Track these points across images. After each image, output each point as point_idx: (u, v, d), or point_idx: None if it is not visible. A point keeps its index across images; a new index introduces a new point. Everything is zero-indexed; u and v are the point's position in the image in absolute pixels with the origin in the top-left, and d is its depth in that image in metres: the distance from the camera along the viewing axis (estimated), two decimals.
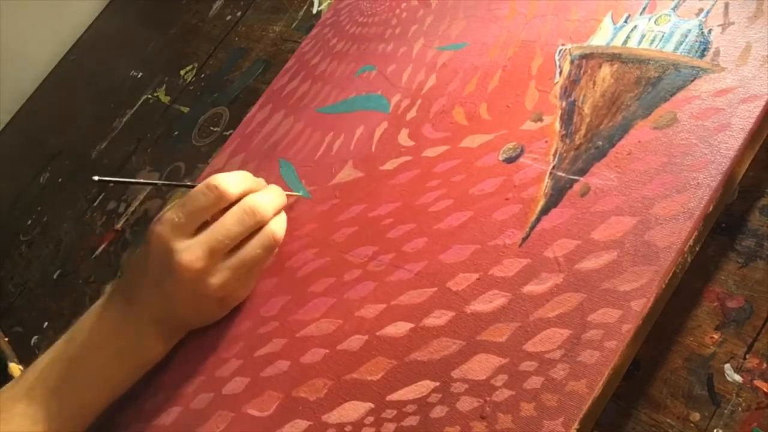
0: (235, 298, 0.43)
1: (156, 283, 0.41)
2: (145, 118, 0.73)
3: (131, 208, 0.65)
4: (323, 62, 0.54)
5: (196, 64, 0.73)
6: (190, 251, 0.40)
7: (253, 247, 0.41)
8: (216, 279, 0.41)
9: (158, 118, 0.71)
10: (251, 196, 0.42)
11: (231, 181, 0.41)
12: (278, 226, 0.43)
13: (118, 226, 0.64)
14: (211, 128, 0.64)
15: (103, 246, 0.64)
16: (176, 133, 0.67)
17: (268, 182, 0.46)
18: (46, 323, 0.63)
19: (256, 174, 0.47)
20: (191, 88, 0.71)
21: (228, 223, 0.41)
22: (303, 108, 0.52)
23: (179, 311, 0.42)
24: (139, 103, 0.76)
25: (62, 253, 0.68)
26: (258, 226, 0.42)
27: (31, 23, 0.94)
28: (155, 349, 0.43)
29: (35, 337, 0.63)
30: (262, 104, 0.56)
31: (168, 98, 0.72)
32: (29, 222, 0.76)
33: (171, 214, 0.40)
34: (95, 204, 0.69)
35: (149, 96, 0.75)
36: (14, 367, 0.61)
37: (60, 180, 0.77)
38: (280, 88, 0.56)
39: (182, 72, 0.73)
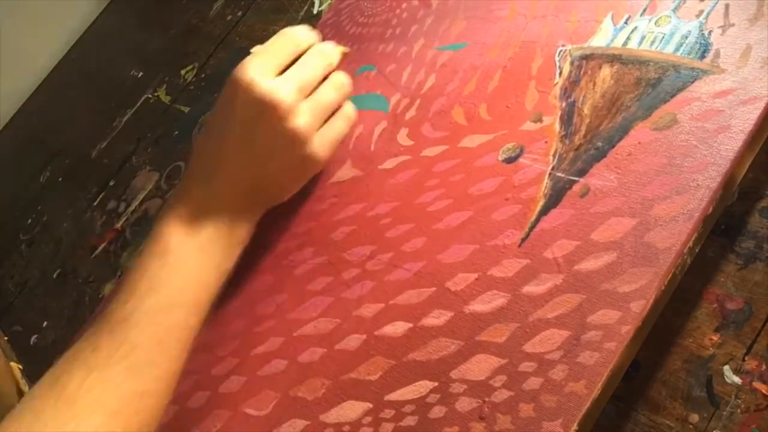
0: (317, 157, 0.42)
1: (243, 133, 0.40)
2: (145, 117, 0.73)
3: (131, 208, 0.65)
4: None
5: (196, 64, 0.73)
6: (281, 88, 0.40)
7: (326, 89, 0.42)
8: (302, 119, 0.40)
9: (158, 118, 0.71)
10: (317, 44, 0.44)
11: (301, 30, 0.43)
12: (344, 75, 0.44)
13: (118, 225, 0.64)
14: None
15: (102, 245, 0.64)
16: (176, 132, 0.67)
17: None
18: (45, 322, 0.63)
19: None
20: (191, 87, 0.71)
21: (309, 63, 0.42)
22: None
23: (268, 168, 0.41)
24: (140, 102, 0.76)
25: (62, 253, 0.68)
26: (329, 71, 0.43)
27: (31, 23, 0.94)
28: (244, 230, 0.42)
29: (35, 336, 0.63)
30: None
31: (168, 98, 0.72)
32: (29, 221, 0.76)
33: (252, 59, 0.40)
34: (95, 203, 0.69)
35: (149, 96, 0.75)
36: (14, 367, 0.60)
37: (60, 179, 0.77)
38: None
39: (183, 72, 0.73)
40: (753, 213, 0.34)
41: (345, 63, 0.52)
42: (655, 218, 0.32)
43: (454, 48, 0.46)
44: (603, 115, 0.37)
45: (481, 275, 0.36)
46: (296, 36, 0.43)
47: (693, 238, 0.31)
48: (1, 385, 0.56)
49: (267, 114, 0.40)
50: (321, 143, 0.42)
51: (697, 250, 0.32)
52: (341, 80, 0.44)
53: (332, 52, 0.44)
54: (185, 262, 0.40)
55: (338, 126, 0.44)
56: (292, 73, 0.41)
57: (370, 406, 0.35)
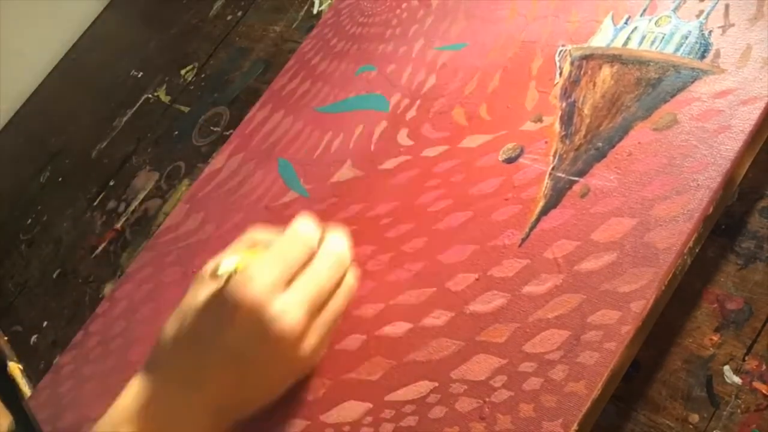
0: (310, 366, 0.38)
1: (235, 359, 0.35)
2: (145, 117, 0.73)
3: (131, 208, 0.65)
4: (323, 62, 0.54)
5: (196, 64, 0.73)
6: (290, 315, 0.34)
7: (338, 299, 0.37)
8: (309, 342, 0.36)
9: (158, 118, 0.71)
10: (329, 241, 0.38)
11: (311, 227, 0.38)
12: (353, 274, 0.39)
13: (118, 225, 0.64)
14: (212, 128, 0.64)
15: (102, 245, 0.64)
16: (176, 132, 0.67)
17: (266, 181, 0.46)
18: (45, 322, 0.63)
19: (254, 172, 0.47)
20: (191, 87, 0.71)
21: (322, 277, 0.36)
22: (302, 107, 0.52)
23: (247, 394, 0.36)
24: (140, 102, 0.76)
25: (62, 253, 0.68)
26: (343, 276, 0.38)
27: (31, 23, 0.94)
28: None
29: (35, 336, 0.63)
30: (263, 104, 0.56)
31: (168, 98, 0.72)
32: (29, 221, 0.76)
33: (262, 270, 0.35)
34: (95, 203, 0.69)
35: (149, 95, 0.75)
36: (13, 366, 0.61)
37: (60, 179, 0.77)
38: (281, 87, 0.56)
39: (182, 72, 0.73)
40: (753, 213, 0.34)
41: (344, 63, 0.51)
42: (655, 218, 0.32)
43: (454, 48, 0.46)
44: (603, 115, 0.37)
45: (481, 275, 0.36)
46: (308, 238, 0.37)
47: (693, 238, 0.31)
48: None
49: (275, 344, 0.34)
50: (315, 361, 0.38)
51: (697, 250, 0.32)
52: (351, 286, 0.39)
53: (345, 253, 0.38)
54: None
55: (333, 326, 0.38)
56: (301, 292, 0.35)
57: (371, 406, 0.35)
